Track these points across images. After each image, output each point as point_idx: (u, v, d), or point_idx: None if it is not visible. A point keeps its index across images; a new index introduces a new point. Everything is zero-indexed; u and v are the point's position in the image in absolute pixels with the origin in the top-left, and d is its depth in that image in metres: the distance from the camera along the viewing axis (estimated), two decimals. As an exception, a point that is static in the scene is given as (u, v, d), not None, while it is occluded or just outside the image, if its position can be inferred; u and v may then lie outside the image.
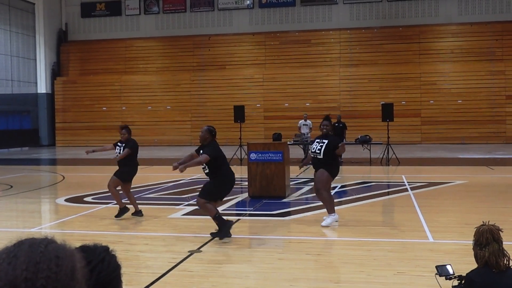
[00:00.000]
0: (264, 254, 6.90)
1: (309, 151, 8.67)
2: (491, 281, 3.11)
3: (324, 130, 8.65)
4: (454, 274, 3.46)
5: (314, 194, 9.12)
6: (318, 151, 8.48)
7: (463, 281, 3.33)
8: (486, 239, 3.15)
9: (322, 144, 8.51)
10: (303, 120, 20.98)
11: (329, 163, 8.51)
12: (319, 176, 8.49)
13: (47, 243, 1.16)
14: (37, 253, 1.12)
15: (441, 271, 3.51)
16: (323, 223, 8.37)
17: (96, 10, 33.93)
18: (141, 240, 7.87)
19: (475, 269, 3.24)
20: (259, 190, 11.15)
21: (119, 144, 9.46)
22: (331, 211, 8.44)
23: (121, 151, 9.29)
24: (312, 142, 8.89)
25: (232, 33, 32.03)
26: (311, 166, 9.02)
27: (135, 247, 7.34)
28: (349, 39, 30.74)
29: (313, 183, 9.27)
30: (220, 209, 9.50)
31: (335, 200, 10.40)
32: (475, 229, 3.30)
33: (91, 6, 33.93)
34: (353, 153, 20.79)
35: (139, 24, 33.46)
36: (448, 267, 3.51)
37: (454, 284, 3.43)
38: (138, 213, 9.33)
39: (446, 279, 3.49)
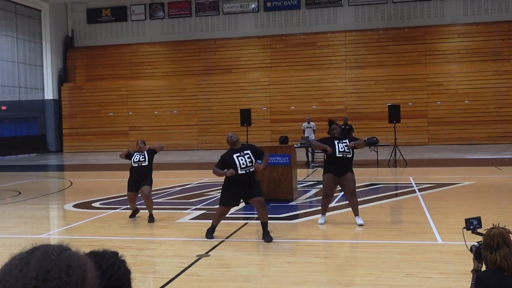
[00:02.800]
0: (272, 258, 6.90)
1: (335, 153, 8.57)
2: (503, 284, 3.07)
3: (336, 134, 8.74)
4: (481, 227, 3.45)
5: (321, 197, 9.17)
6: (348, 150, 8.58)
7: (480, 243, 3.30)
8: (497, 243, 3.11)
9: (345, 143, 8.62)
10: (306, 123, 20.96)
11: (352, 161, 8.73)
12: (351, 179, 8.65)
13: (60, 251, 1.16)
14: (48, 261, 1.12)
15: (469, 224, 3.50)
16: (360, 222, 8.55)
17: (102, 16, 34.06)
18: (150, 245, 7.88)
19: (487, 270, 3.20)
20: (267, 194, 11.12)
21: (137, 153, 9.51)
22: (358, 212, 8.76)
23: (141, 157, 9.40)
24: (330, 140, 8.75)
25: (238, 37, 32.07)
26: (322, 167, 9.03)
27: (144, 252, 7.35)
28: (355, 41, 30.71)
29: (321, 186, 9.28)
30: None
31: (343, 203, 10.41)
32: (485, 231, 3.27)
33: (97, 12, 34.07)
34: (360, 155, 20.72)
35: (144, 29, 33.58)
36: (477, 219, 3.50)
37: (479, 241, 3.38)
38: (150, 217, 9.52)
39: (473, 232, 3.47)
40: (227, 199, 7.83)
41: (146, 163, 9.39)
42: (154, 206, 9.73)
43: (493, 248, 3.11)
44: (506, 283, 3.07)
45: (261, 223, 7.80)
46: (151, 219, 9.39)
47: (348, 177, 8.64)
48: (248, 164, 7.68)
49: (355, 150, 8.86)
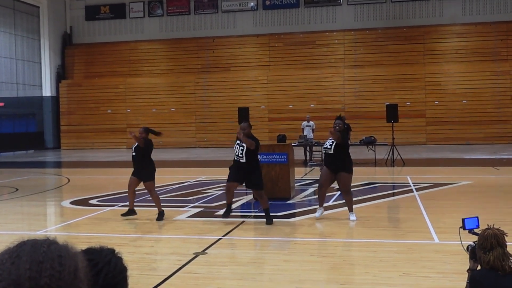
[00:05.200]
0: (269, 256, 6.90)
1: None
2: (497, 284, 3.10)
3: (337, 128, 8.90)
4: (478, 227, 3.44)
5: (317, 196, 9.36)
6: (329, 147, 8.88)
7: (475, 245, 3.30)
8: (490, 244, 3.14)
9: (332, 140, 8.88)
10: (305, 122, 20.98)
11: (342, 159, 8.83)
12: (344, 178, 8.80)
13: (49, 243, 1.17)
14: (39, 253, 1.13)
15: (466, 223, 3.49)
16: (353, 218, 8.78)
17: (100, 13, 34.01)
18: (147, 242, 7.88)
19: (481, 269, 3.23)
20: (264, 192, 11.12)
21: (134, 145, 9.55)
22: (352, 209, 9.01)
23: (134, 148, 9.41)
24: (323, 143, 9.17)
25: (236, 35, 32.06)
26: (318, 166, 9.16)
27: (141, 249, 7.35)
28: (354, 40, 30.71)
29: (318, 184, 9.38)
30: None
31: (340, 202, 10.42)
32: (480, 232, 3.29)
33: (96, 9, 34.02)
34: (358, 154, 20.73)
35: (143, 27, 33.54)
36: (475, 219, 3.48)
37: (475, 240, 3.38)
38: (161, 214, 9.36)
39: (470, 232, 3.46)
40: (230, 176, 8.74)
41: (135, 153, 9.38)
42: (152, 204, 9.67)
43: (487, 249, 3.14)
44: (499, 282, 3.10)
45: (262, 209, 8.81)
46: (159, 216, 9.22)
47: (342, 176, 8.83)
48: (239, 155, 8.51)
49: (352, 149, 9.10)
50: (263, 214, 8.79)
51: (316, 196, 11.18)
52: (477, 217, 3.53)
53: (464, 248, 3.48)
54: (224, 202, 9.23)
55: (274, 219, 9.07)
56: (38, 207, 11.48)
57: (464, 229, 3.50)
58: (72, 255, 1.17)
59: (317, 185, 9.56)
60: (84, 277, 1.18)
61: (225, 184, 8.94)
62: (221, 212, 9.23)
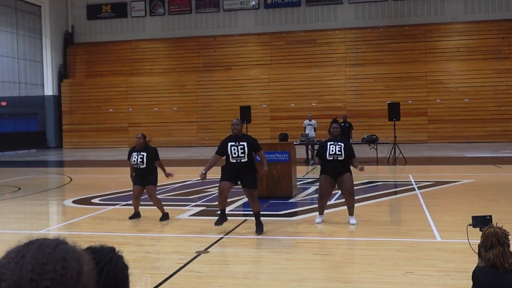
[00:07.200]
0: (271, 255, 6.90)
1: (326, 154, 8.51)
2: (497, 280, 3.14)
3: (335, 133, 8.68)
4: (487, 224, 3.43)
5: (317, 198, 9.11)
6: (339, 153, 8.43)
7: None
8: (491, 242, 3.19)
9: (340, 145, 8.49)
10: (307, 120, 20.97)
11: (349, 165, 8.59)
12: (347, 180, 8.50)
13: (56, 244, 1.16)
14: (44, 254, 1.12)
15: (477, 221, 3.47)
16: (353, 222, 8.48)
17: (102, 12, 34.03)
18: (149, 241, 7.89)
19: (482, 267, 3.26)
20: (266, 191, 11.14)
21: (135, 153, 9.19)
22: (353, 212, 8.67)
23: (139, 159, 9.10)
24: (324, 144, 8.76)
25: (238, 34, 32.06)
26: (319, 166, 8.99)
27: (143, 248, 7.35)
28: (355, 39, 30.69)
29: (318, 195, 9.14)
30: (227, 209, 9.52)
31: (341, 200, 10.40)
32: (482, 230, 3.32)
33: (97, 8, 34.04)
34: (360, 152, 20.68)
35: (144, 26, 33.55)
36: (487, 217, 3.47)
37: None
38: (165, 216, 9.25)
39: (481, 230, 3.45)
40: (223, 176, 8.17)
41: (144, 166, 9.12)
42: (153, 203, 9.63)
43: (488, 247, 3.19)
44: (499, 279, 3.15)
45: (253, 214, 8.15)
46: (162, 217, 9.14)
47: (345, 178, 8.50)
48: (240, 155, 8.01)
49: (355, 148, 8.82)
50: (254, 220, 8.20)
51: (317, 195, 11.17)
52: (491, 216, 3.52)
53: (471, 247, 3.50)
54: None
55: (275, 218, 9.07)
56: (41, 206, 11.48)
57: (474, 226, 3.50)
58: (78, 258, 1.16)
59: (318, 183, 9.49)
60: (88, 281, 1.17)
61: (219, 183, 8.27)
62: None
